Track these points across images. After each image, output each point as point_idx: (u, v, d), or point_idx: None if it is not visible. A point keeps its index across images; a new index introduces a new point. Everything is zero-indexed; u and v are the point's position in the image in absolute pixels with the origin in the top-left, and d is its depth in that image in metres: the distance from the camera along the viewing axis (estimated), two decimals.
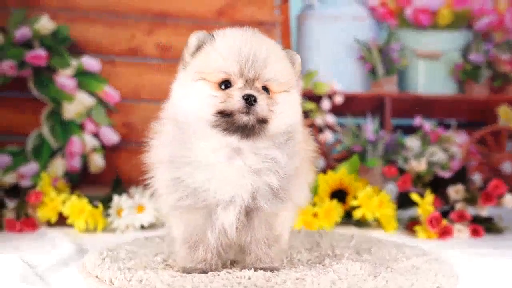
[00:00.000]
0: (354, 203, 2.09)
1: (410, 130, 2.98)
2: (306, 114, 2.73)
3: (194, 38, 1.29)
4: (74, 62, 2.69)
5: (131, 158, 2.72)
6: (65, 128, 2.69)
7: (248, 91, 1.22)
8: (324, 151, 2.85)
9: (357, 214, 2.08)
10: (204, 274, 1.29)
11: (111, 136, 2.73)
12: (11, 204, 2.17)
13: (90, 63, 2.73)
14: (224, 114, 1.23)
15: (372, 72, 3.00)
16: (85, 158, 2.70)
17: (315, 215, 2.06)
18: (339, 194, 2.18)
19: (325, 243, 1.68)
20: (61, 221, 2.06)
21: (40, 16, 2.68)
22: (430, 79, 3.06)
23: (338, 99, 2.82)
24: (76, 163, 2.67)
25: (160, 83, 2.76)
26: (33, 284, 1.31)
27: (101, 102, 2.73)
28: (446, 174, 2.62)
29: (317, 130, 2.83)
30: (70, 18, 2.75)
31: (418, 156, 2.82)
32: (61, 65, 2.68)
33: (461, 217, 2.04)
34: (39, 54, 2.65)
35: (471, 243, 1.91)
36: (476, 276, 1.44)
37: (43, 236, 1.93)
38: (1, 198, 2.27)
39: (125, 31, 2.80)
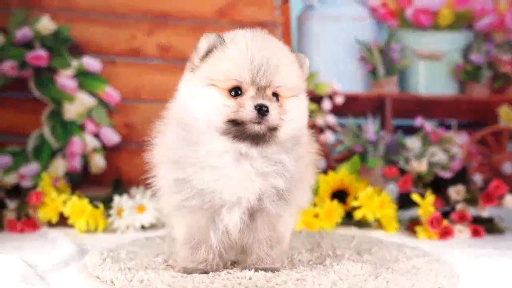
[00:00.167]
0: (354, 203, 2.09)
1: (410, 130, 2.97)
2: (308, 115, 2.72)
3: (204, 42, 1.26)
4: (74, 63, 2.69)
5: (131, 158, 2.73)
6: (66, 129, 2.69)
7: (261, 101, 1.21)
8: (325, 151, 2.85)
9: (357, 215, 2.08)
10: (205, 274, 1.29)
11: (111, 137, 2.73)
12: (12, 204, 2.17)
13: (91, 63, 2.73)
14: (235, 123, 1.22)
15: (373, 72, 3.00)
16: (85, 159, 2.70)
17: (316, 215, 2.06)
18: (340, 195, 2.18)
19: (326, 244, 1.68)
20: (62, 221, 2.06)
21: (41, 16, 2.68)
22: (431, 80, 3.06)
23: (339, 100, 2.82)
24: (77, 163, 2.67)
25: (161, 84, 2.78)
26: (33, 284, 1.31)
27: (101, 102, 2.73)
28: (447, 175, 2.62)
29: (318, 130, 2.83)
30: (70, 19, 2.75)
31: (419, 156, 2.81)
32: (62, 66, 2.68)
33: (462, 218, 2.04)
34: (39, 55, 2.65)
35: (472, 244, 1.91)
36: (476, 277, 1.44)
37: (44, 236, 1.93)
38: (2, 198, 2.27)
39: (126, 32, 2.80)
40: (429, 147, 2.90)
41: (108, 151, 2.74)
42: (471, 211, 2.11)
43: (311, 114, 2.81)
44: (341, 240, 1.75)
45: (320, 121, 2.82)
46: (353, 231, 2.04)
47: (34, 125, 2.69)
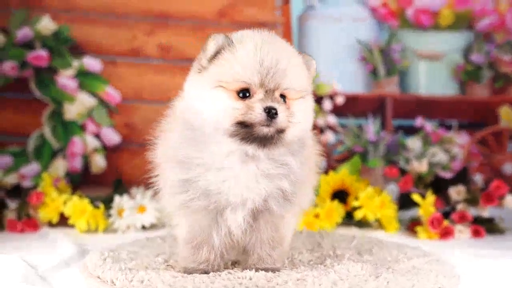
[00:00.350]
0: (355, 203, 2.09)
1: (411, 130, 2.97)
2: None
3: (212, 44, 1.26)
4: (75, 63, 2.70)
5: (132, 158, 2.73)
6: (66, 129, 2.69)
7: (270, 104, 1.21)
8: (326, 151, 2.84)
9: (358, 215, 2.08)
10: (205, 274, 1.29)
11: (112, 137, 2.73)
12: (12, 204, 2.17)
13: (91, 63, 2.73)
14: (243, 125, 1.22)
15: (373, 72, 3.00)
16: (86, 159, 2.70)
17: (316, 215, 2.06)
18: (340, 195, 2.18)
19: (326, 244, 1.68)
20: (63, 221, 2.07)
21: (41, 16, 2.68)
22: (431, 80, 3.05)
23: (339, 100, 2.81)
24: (77, 163, 2.68)
25: (161, 84, 2.78)
26: (34, 284, 1.31)
27: (102, 102, 2.73)
28: (447, 175, 2.62)
29: (319, 130, 2.83)
30: (71, 19, 2.75)
31: (419, 156, 2.81)
32: (62, 66, 2.68)
33: (462, 218, 2.04)
34: (40, 55, 2.65)
35: (472, 244, 1.91)
36: (477, 277, 1.44)
37: (44, 236, 1.93)
38: (3, 198, 2.27)
39: (126, 32, 2.80)
40: (429, 147, 2.90)
41: (109, 151, 2.74)
42: (472, 211, 2.11)
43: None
44: (341, 240, 1.75)
45: (320, 121, 2.82)
46: (353, 231, 2.04)
47: (35, 125, 2.69)
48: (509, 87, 3.04)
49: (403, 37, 3.04)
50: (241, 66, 1.22)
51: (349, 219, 2.15)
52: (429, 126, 2.95)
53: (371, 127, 2.89)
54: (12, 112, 2.72)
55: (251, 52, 1.23)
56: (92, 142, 2.70)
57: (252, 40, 1.26)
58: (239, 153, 1.25)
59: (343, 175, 2.21)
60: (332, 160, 2.85)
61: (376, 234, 2.00)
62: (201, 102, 1.25)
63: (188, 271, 1.31)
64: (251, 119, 1.21)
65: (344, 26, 3.02)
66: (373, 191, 2.10)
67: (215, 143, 1.25)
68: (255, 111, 1.21)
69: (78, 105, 2.69)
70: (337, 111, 2.85)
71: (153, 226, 2.10)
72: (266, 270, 1.31)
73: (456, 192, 2.19)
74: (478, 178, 2.76)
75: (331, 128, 2.85)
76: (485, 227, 2.06)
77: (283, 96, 1.25)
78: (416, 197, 2.05)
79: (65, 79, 2.68)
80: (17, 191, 2.46)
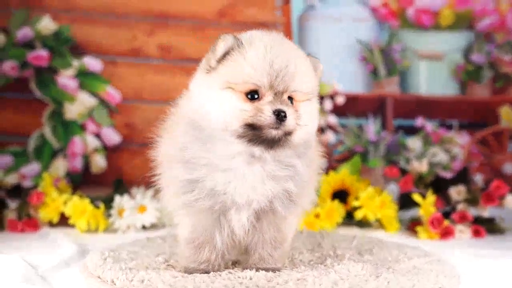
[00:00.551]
0: (355, 203, 2.09)
1: (411, 130, 2.97)
2: None
3: (222, 44, 1.25)
4: (75, 63, 2.70)
5: (132, 158, 2.73)
6: (67, 129, 2.69)
7: (279, 107, 1.21)
8: (326, 151, 2.84)
9: (358, 215, 2.08)
10: (206, 274, 1.29)
11: (112, 137, 2.73)
12: (13, 204, 2.17)
13: (92, 63, 2.73)
14: (252, 127, 1.22)
15: (374, 72, 3.00)
16: (86, 159, 2.70)
17: (317, 215, 2.06)
18: (341, 195, 2.18)
19: (327, 244, 1.68)
20: (63, 221, 2.07)
21: (41, 16, 2.68)
22: (432, 80, 3.05)
23: (340, 100, 2.81)
24: (78, 163, 2.68)
25: (161, 84, 2.78)
26: (34, 284, 1.31)
27: (102, 102, 2.73)
28: (448, 175, 2.62)
29: (319, 130, 2.83)
30: (71, 19, 2.75)
31: (420, 156, 2.81)
32: (63, 66, 2.68)
33: (463, 218, 2.04)
34: (40, 55, 2.65)
35: (473, 244, 1.91)
36: (477, 277, 1.44)
37: (44, 236, 1.93)
38: (3, 198, 2.27)
39: (127, 32, 2.80)
40: (430, 147, 2.90)
41: (109, 151, 2.74)
42: (472, 211, 2.11)
43: None
44: (342, 240, 1.75)
45: (321, 121, 2.82)
46: (354, 231, 2.04)
47: (35, 125, 2.69)
48: (509, 87, 3.04)
49: (403, 37, 3.04)
50: (251, 67, 1.22)
51: (349, 219, 2.15)
52: (430, 126, 2.95)
53: (372, 127, 2.89)
54: (12, 112, 2.72)
55: (261, 54, 1.23)
56: (92, 142, 2.70)
57: (262, 41, 1.25)
58: (246, 154, 1.25)
59: (343, 175, 2.21)
60: (333, 160, 2.85)
61: (377, 234, 2.00)
62: (209, 102, 1.24)
63: (189, 271, 1.31)
64: (260, 122, 1.21)
65: (345, 26, 3.02)
66: (373, 191, 2.10)
67: (221, 143, 1.25)
68: (265, 113, 1.21)
69: (79, 105, 2.69)
70: (338, 111, 2.85)
71: (153, 226, 2.10)
72: (267, 270, 1.31)
73: (457, 192, 2.19)
74: (478, 178, 2.76)
75: (331, 128, 2.85)
76: (486, 227, 2.06)
77: (290, 98, 1.26)
78: (416, 197, 2.05)
79: (66, 79, 2.68)
80: (17, 191, 2.46)
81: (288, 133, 1.24)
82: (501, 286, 1.40)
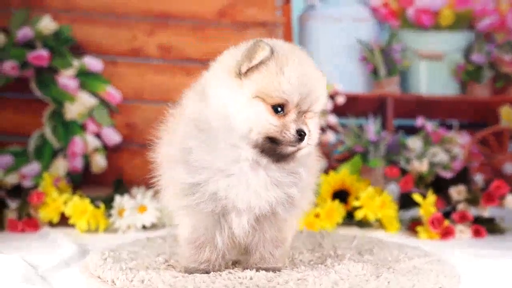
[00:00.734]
0: (356, 203, 2.09)
1: (412, 130, 2.97)
2: None
3: (261, 54, 1.23)
4: (76, 63, 2.70)
5: (133, 158, 2.73)
6: (67, 129, 2.69)
7: (301, 126, 1.23)
8: (326, 151, 2.85)
9: (359, 215, 2.08)
10: (206, 274, 1.29)
11: (113, 137, 2.73)
12: (13, 204, 2.17)
13: (92, 63, 2.73)
14: (271, 140, 1.23)
15: (374, 72, 3.00)
16: (87, 159, 2.70)
17: (317, 215, 2.06)
18: (341, 195, 2.18)
19: (327, 244, 1.68)
20: (63, 221, 2.07)
21: (42, 16, 2.68)
22: (432, 80, 3.05)
23: (340, 100, 2.81)
24: (78, 163, 2.68)
25: (162, 84, 2.78)
26: (34, 284, 1.31)
27: (103, 102, 2.73)
28: (448, 175, 2.62)
29: (320, 130, 2.83)
30: (72, 19, 2.75)
31: (420, 156, 2.81)
32: (63, 66, 2.68)
33: (463, 218, 2.04)
34: (41, 55, 2.65)
35: (473, 244, 1.91)
36: (477, 277, 1.44)
37: (45, 236, 1.93)
38: (3, 198, 2.27)
39: (127, 32, 2.80)
40: (430, 147, 2.90)
41: (109, 151, 2.74)
42: (472, 211, 2.11)
43: None
44: (342, 240, 1.75)
45: (321, 121, 2.82)
46: (354, 231, 2.04)
47: (35, 125, 2.69)
48: (509, 87, 3.04)
49: (403, 37, 3.04)
50: (288, 83, 1.22)
51: (349, 219, 2.15)
52: (430, 126, 2.95)
53: (372, 127, 2.89)
54: (12, 112, 2.72)
55: (297, 72, 1.23)
56: (92, 142, 2.70)
57: (296, 57, 1.26)
58: (252, 160, 1.25)
59: (343, 175, 2.21)
60: (333, 160, 2.85)
61: (377, 234, 2.00)
62: (234, 107, 1.23)
63: (189, 271, 1.31)
64: (284, 138, 1.22)
65: (345, 26, 3.02)
66: (373, 191, 2.10)
67: (229, 148, 1.25)
68: (290, 131, 1.22)
69: (79, 105, 2.69)
70: (338, 111, 2.85)
71: (153, 226, 2.10)
72: (267, 269, 1.31)
73: (457, 192, 2.19)
74: (478, 178, 2.75)
75: (331, 128, 2.85)
76: (486, 227, 2.05)
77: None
78: (416, 197, 2.05)
79: (66, 79, 2.68)
80: (17, 191, 2.46)
81: (298, 149, 1.26)
82: (501, 286, 1.40)
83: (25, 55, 2.64)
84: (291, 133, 1.22)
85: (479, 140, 3.00)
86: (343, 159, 2.77)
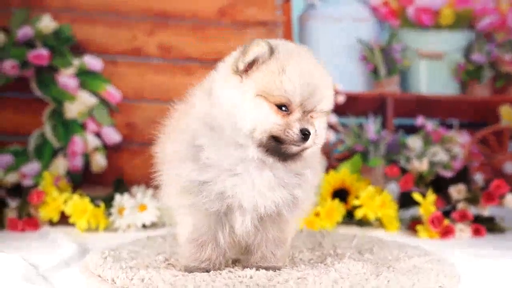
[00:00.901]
0: (356, 202, 2.09)
1: (412, 130, 2.97)
2: None
3: (255, 49, 1.23)
4: (76, 62, 2.70)
5: (133, 158, 2.73)
6: (67, 128, 2.69)
7: (306, 126, 1.23)
8: (326, 151, 2.85)
9: (359, 214, 2.08)
10: (206, 273, 1.29)
11: (113, 136, 2.73)
12: (13, 203, 2.17)
13: (92, 62, 2.73)
14: (275, 139, 1.23)
15: (374, 72, 3.00)
16: (87, 158, 2.70)
17: (317, 214, 2.06)
18: (341, 194, 2.18)
19: (327, 243, 1.68)
20: (63, 220, 2.07)
21: (42, 16, 2.68)
22: (432, 79, 3.05)
23: (340, 99, 2.81)
24: (78, 162, 2.67)
25: (162, 83, 2.78)
26: (35, 283, 1.31)
27: (103, 101, 2.73)
28: (448, 174, 2.62)
29: None
30: (72, 18, 2.75)
31: (420, 156, 2.81)
32: (63, 65, 2.68)
33: (463, 217, 2.04)
34: (41, 54, 2.65)
35: (473, 243, 1.91)
36: (477, 276, 1.44)
37: (45, 235, 1.94)
38: (3, 197, 2.27)
39: (127, 31, 2.80)
40: (430, 146, 2.90)
41: (109, 150, 2.74)
42: (472, 211, 2.11)
43: None
44: (342, 239, 1.75)
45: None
46: (354, 230, 2.04)
47: (35, 125, 2.69)
48: (509, 87, 3.04)
49: (403, 36, 3.04)
50: (290, 83, 1.22)
51: (349, 218, 2.16)
52: (430, 125, 2.95)
53: (372, 126, 2.89)
54: (12, 111, 2.72)
55: (300, 71, 1.23)
56: (92, 141, 2.70)
57: (299, 56, 1.26)
58: (258, 160, 1.25)
59: (343, 174, 2.21)
60: (333, 159, 2.85)
61: (377, 233, 2.00)
62: (237, 105, 1.23)
63: (190, 270, 1.31)
64: (287, 137, 1.22)
65: (345, 26, 3.02)
66: (373, 190, 2.10)
67: (236, 147, 1.25)
68: (293, 130, 1.22)
69: (79, 104, 2.69)
70: (338, 110, 2.85)
71: (153, 225, 2.10)
72: (267, 268, 1.31)
73: (457, 191, 2.19)
74: (478, 178, 2.76)
75: (332, 127, 2.85)
76: (486, 226, 2.06)
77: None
78: (416, 196, 2.05)
79: (66, 78, 2.68)
80: (17, 190, 2.46)
81: (304, 149, 1.25)
82: (501, 286, 1.40)
83: (25, 55, 2.64)
84: (294, 132, 1.22)
85: (479, 139, 3.00)
86: (343, 158, 2.77)
